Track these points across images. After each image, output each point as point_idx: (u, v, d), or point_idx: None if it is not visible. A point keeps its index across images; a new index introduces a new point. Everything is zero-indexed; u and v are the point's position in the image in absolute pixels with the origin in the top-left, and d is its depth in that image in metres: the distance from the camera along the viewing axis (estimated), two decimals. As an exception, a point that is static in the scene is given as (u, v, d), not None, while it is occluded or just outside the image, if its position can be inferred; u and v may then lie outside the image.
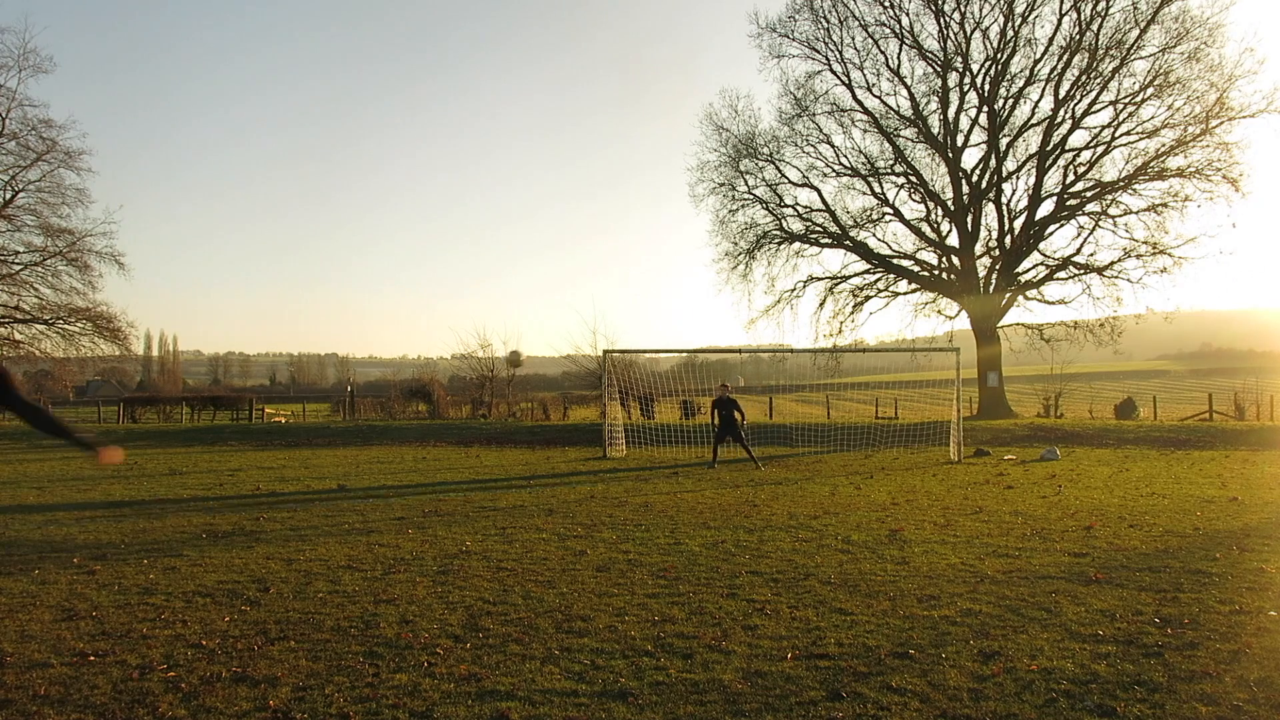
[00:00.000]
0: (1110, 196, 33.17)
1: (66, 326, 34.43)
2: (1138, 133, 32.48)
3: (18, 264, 34.69)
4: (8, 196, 34.18)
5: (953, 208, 35.06)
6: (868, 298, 37.24)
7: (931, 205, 35.74)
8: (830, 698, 4.35)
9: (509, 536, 9.29)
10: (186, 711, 4.21)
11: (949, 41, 34.08)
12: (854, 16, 34.93)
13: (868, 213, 36.71)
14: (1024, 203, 34.56)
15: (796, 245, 37.44)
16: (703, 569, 7.54)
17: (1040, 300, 35.27)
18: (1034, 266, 35.03)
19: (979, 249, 35.22)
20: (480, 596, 6.52)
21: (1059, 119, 33.39)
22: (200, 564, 7.85)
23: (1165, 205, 32.26)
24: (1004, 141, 34.30)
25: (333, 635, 5.50)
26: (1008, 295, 34.66)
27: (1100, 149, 33.15)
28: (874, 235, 36.88)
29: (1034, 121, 34.06)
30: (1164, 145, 31.95)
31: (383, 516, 10.84)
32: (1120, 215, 33.32)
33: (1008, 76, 33.83)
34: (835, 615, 5.94)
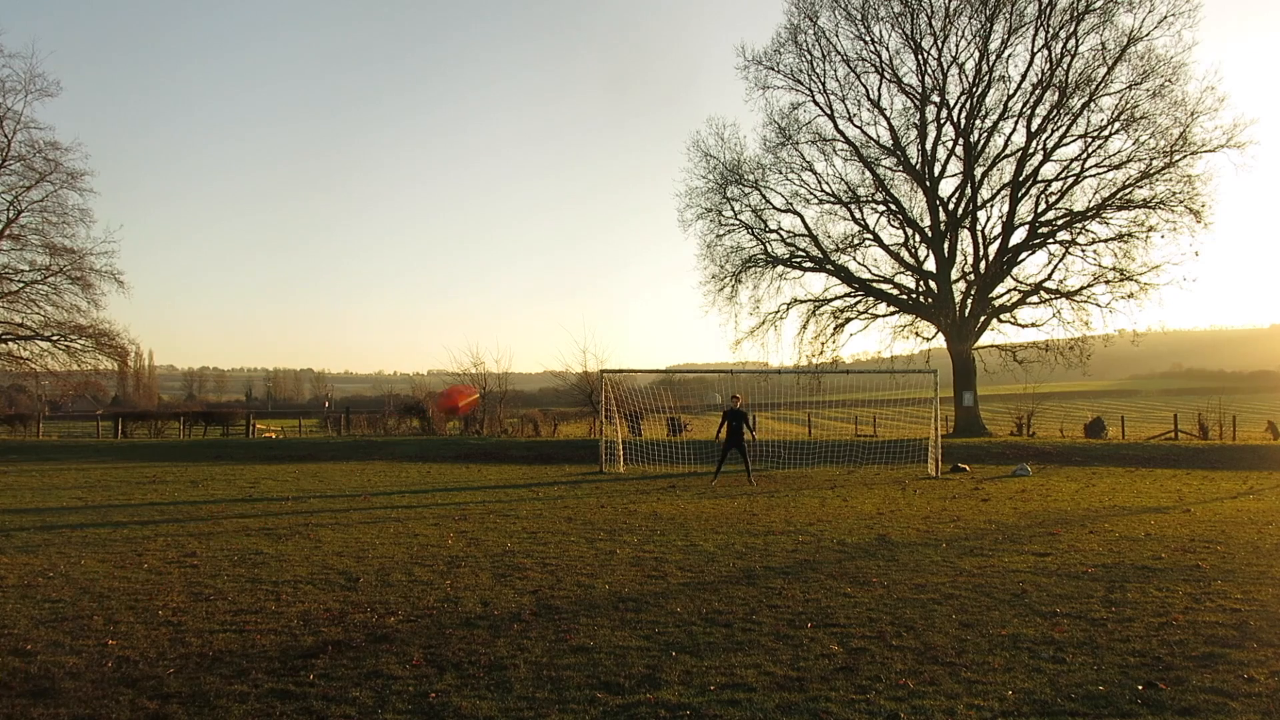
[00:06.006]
0: (1080, 225, 34.85)
1: (69, 344, 35.14)
2: (1106, 164, 34.21)
3: (20, 282, 35.44)
4: (10, 216, 34.96)
5: (930, 234, 36.65)
6: (848, 319, 38.73)
7: (910, 232, 37.31)
8: (846, 652, 5.55)
9: (541, 540, 10.42)
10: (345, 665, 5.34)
11: (927, 76, 35.75)
12: (836, 51, 36.58)
13: (849, 238, 38.27)
14: (998, 230, 36.23)
15: (780, 269, 38.88)
16: (721, 565, 8.73)
17: (1013, 323, 36.85)
18: (1007, 291, 36.67)
19: (955, 274, 36.79)
20: (540, 585, 7.67)
21: (1031, 151, 35.08)
22: (284, 560, 8.93)
23: (1131, 235, 33.98)
24: (979, 171, 35.94)
25: (429, 612, 6.62)
26: (982, 318, 36.23)
27: (1070, 180, 34.86)
28: (854, 260, 38.42)
29: (1007, 153, 35.74)
30: (1130, 177, 33.68)
31: (420, 524, 11.93)
32: (1089, 244, 35.02)
33: (982, 110, 35.52)
34: (840, 598, 7.15)
